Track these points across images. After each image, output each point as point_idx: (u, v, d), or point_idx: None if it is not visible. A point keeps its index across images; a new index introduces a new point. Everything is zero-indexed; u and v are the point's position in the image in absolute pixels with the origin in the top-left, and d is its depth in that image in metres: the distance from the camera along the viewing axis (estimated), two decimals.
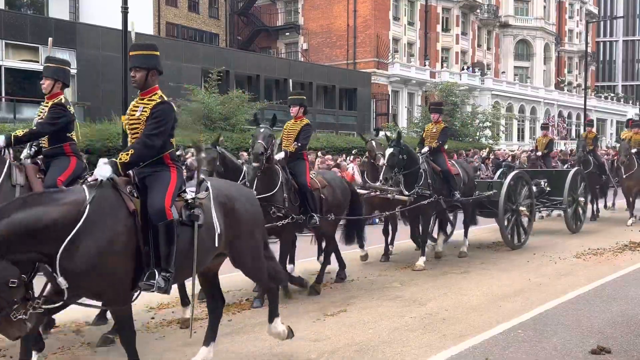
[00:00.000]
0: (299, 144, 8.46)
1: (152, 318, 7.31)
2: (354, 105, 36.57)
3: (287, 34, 43.82)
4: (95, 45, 23.75)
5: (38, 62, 22.88)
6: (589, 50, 49.54)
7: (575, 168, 15.26)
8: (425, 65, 44.02)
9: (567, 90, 58.28)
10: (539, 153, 17.49)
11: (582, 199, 14.47)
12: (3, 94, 21.98)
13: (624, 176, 15.51)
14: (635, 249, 11.83)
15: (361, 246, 10.16)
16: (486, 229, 13.78)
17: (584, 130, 20.38)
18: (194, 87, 21.30)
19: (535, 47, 56.07)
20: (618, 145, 30.25)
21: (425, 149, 10.71)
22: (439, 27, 46.70)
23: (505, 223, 11.78)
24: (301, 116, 8.76)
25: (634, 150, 15.53)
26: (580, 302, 7.86)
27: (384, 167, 9.79)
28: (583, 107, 39.60)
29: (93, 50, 23.74)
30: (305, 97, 9.15)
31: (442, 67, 45.81)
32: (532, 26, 55.56)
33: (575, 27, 62.24)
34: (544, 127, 19.18)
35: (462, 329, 6.68)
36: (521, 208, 12.13)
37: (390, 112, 40.18)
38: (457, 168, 11.42)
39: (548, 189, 14.01)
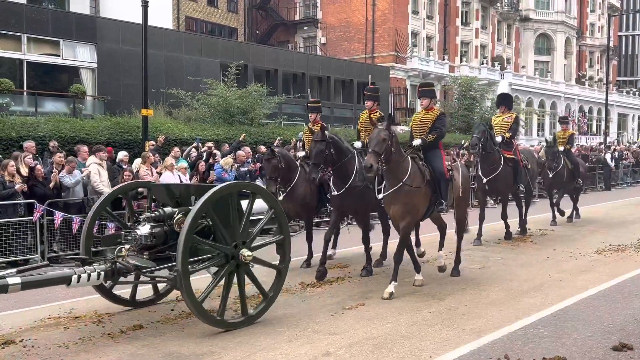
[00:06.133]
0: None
1: (172, 310, 7.38)
2: None
3: (306, 28, 43.75)
4: (116, 40, 23.88)
5: (59, 56, 23.12)
6: (611, 44, 48.85)
7: (227, 183, 7.19)
8: (444, 60, 43.71)
9: (588, 85, 57.57)
10: None
11: (247, 252, 6.66)
12: (25, 88, 22.20)
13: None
14: None
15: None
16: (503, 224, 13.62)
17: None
18: (212, 81, 21.35)
19: (556, 41, 55.44)
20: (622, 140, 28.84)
21: None
22: (458, 21, 46.32)
23: None
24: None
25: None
26: (601, 298, 7.78)
27: None
28: (604, 102, 39.07)
29: (113, 44, 23.87)
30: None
31: (461, 61, 45.48)
32: (553, 20, 54.92)
33: (597, 20, 61.45)
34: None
35: (481, 324, 6.64)
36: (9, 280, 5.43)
37: (408, 106, 39.97)
38: None
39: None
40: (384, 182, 8.13)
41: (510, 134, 12.21)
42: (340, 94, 35.68)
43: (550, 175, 14.65)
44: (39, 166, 11.21)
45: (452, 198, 8.89)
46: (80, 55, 23.67)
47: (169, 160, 12.83)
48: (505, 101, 12.85)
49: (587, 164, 26.13)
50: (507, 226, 12.55)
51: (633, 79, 72.72)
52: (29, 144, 12.09)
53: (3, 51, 21.99)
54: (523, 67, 52.59)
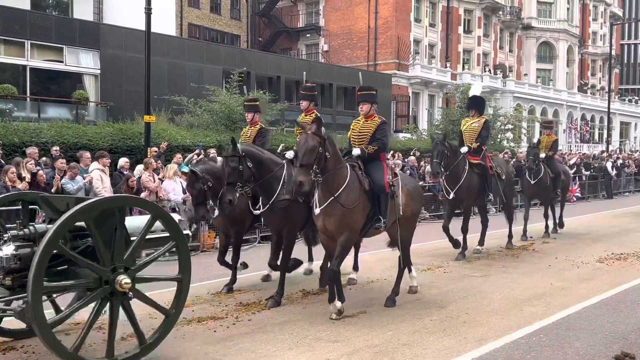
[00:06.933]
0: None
1: None
2: None
3: (308, 35, 43.89)
4: (119, 46, 23.98)
5: (62, 62, 23.22)
6: (613, 52, 48.89)
7: (101, 198, 6.27)
8: (446, 67, 43.80)
9: (591, 93, 57.59)
10: None
11: (125, 279, 5.46)
12: (28, 94, 22.29)
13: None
14: None
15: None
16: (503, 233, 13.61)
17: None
18: (215, 87, 21.41)
19: (558, 49, 55.52)
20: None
21: None
22: (460, 29, 46.42)
23: None
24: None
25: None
26: (603, 307, 7.75)
27: None
28: (607, 110, 39.10)
29: (116, 50, 23.98)
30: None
31: (463, 69, 45.55)
32: (555, 28, 55.02)
33: (599, 29, 61.56)
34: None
35: (482, 333, 6.62)
36: None
37: (410, 113, 40.03)
38: None
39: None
40: (317, 194, 7.16)
41: (478, 143, 11.27)
42: (342, 101, 35.73)
43: (533, 182, 13.58)
44: (40, 172, 11.24)
45: (394, 216, 7.77)
46: (84, 61, 23.77)
47: (174, 168, 12.83)
48: (476, 104, 11.79)
49: (589, 172, 26.19)
50: (464, 241, 11.36)
51: (635, 87, 72.75)
52: (32, 150, 12.13)
53: (6, 57, 22.10)
54: (525, 75, 52.64)
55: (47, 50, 23.07)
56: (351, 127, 8.17)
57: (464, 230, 11.54)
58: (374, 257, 10.79)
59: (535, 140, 15.58)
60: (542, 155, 13.86)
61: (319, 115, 8.45)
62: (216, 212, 8.53)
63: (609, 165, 27.18)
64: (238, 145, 7.80)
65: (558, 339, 6.38)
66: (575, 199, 23.96)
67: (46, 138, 14.24)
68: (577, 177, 25.03)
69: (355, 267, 9.43)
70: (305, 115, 8.95)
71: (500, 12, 49.95)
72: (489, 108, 33.84)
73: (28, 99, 22.10)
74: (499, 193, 11.92)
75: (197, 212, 8.36)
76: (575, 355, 5.89)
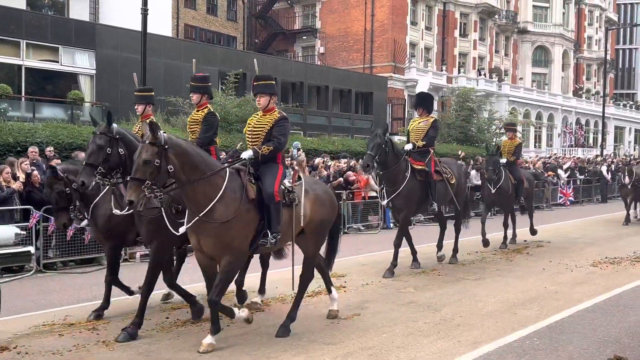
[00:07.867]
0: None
1: (167, 318, 7.36)
2: (369, 109, 36.55)
3: (304, 37, 43.92)
4: (115, 46, 23.96)
5: (58, 62, 23.16)
6: (608, 57, 49.11)
7: None
8: (442, 71, 43.89)
9: (586, 98, 57.78)
10: None
11: None
12: (23, 93, 22.23)
13: None
14: None
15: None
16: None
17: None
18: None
19: (553, 53, 55.69)
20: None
21: None
22: (456, 32, 46.55)
23: None
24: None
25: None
26: (596, 310, 7.77)
27: None
28: (601, 114, 39.26)
29: (112, 51, 23.95)
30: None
31: (459, 72, 45.65)
32: (551, 32, 55.20)
33: (594, 34, 61.76)
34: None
35: (476, 336, 6.64)
36: None
37: (406, 116, 40.05)
38: None
39: None
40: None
41: (425, 142, 10.25)
42: (338, 104, 35.79)
43: (493, 191, 12.61)
44: (35, 172, 11.20)
45: (293, 230, 6.57)
46: (79, 61, 23.72)
47: None
48: (424, 102, 10.69)
49: (583, 176, 26.30)
50: (395, 256, 10.09)
51: (630, 92, 73.00)
52: (32, 149, 12.11)
53: (2, 57, 22.02)
54: (521, 79, 52.77)
55: (43, 50, 23.01)
56: (247, 122, 6.88)
57: (398, 244, 10.16)
58: (369, 259, 10.79)
59: (495, 144, 14.45)
60: (503, 160, 12.96)
61: (212, 109, 7.40)
62: (84, 222, 7.49)
63: (604, 169, 27.33)
64: (114, 125, 6.61)
65: (551, 343, 6.40)
66: (569, 202, 24.10)
67: (41, 138, 14.18)
68: (571, 181, 25.17)
69: (262, 290, 8.06)
70: (198, 111, 7.35)
71: (496, 16, 50.10)
72: (484, 112, 34.00)
73: (23, 98, 22.02)
74: (451, 199, 10.81)
75: (57, 219, 7.15)
76: (568, 358, 5.91)
